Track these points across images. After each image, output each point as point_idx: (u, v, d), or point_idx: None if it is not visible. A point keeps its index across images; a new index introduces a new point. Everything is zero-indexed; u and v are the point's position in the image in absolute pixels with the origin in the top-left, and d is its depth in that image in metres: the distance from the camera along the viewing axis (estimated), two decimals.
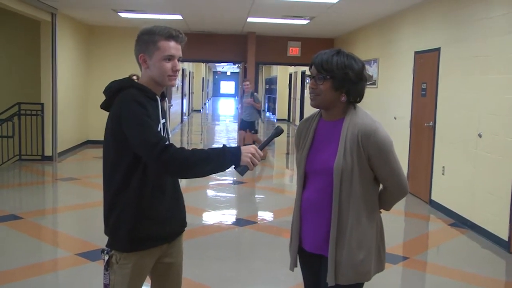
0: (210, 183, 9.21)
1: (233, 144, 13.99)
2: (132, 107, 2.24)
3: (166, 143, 2.20)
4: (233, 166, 2.25)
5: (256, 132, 11.67)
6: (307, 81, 2.49)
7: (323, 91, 2.35)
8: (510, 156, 5.71)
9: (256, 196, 8.97)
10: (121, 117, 2.25)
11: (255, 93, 11.74)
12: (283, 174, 11.60)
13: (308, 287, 2.62)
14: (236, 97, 38.48)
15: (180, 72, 21.32)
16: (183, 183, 9.02)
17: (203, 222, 6.74)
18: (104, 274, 2.37)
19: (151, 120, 2.26)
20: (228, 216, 7.13)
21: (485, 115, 6.31)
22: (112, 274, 2.36)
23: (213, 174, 2.26)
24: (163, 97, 2.51)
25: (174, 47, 2.36)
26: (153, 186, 2.36)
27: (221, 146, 2.30)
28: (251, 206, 8.08)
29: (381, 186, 2.50)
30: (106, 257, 2.36)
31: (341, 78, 2.33)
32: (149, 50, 2.35)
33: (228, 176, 9.79)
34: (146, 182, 2.33)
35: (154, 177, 2.35)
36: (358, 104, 2.46)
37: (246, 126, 11.61)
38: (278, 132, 2.43)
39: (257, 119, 11.64)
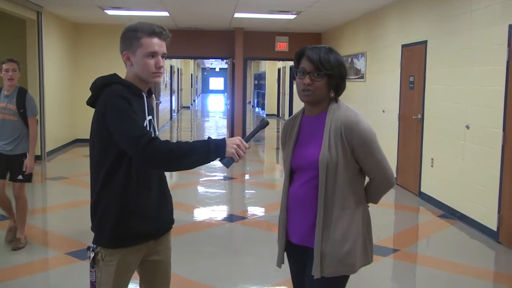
0: (200, 179, 9.21)
1: None
2: (116, 102, 2.23)
3: (150, 137, 2.18)
4: (218, 158, 2.24)
5: (28, 178, 5.31)
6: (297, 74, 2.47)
7: (318, 87, 2.36)
8: (498, 147, 5.75)
9: (246, 191, 8.98)
10: (106, 112, 2.24)
11: (29, 93, 5.29)
12: (273, 169, 11.60)
13: (296, 279, 2.63)
14: (225, 93, 38.41)
15: (169, 69, 21.36)
16: (173, 179, 9.08)
17: (193, 218, 6.73)
18: (91, 271, 2.37)
19: (136, 115, 2.25)
20: (218, 212, 7.13)
21: (472, 106, 6.35)
22: (98, 271, 2.35)
23: (203, 171, 2.26)
24: (149, 94, 2.50)
25: (157, 44, 2.35)
26: (138, 182, 2.35)
27: (205, 138, 2.28)
28: (241, 202, 8.08)
29: (367, 179, 2.51)
30: (92, 254, 2.36)
31: (336, 76, 2.37)
32: (132, 47, 2.34)
33: (218, 172, 9.78)
34: (131, 178, 2.32)
35: (140, 173, 2.35)
36: (339, 98, 2.48)
37: (4, 167, 5.24)
38: (264, 124, 2.43)
39: (27, 150, 5.17)
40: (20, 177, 5.24)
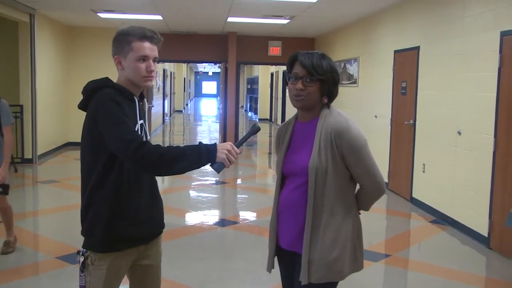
0: (192, 183, 9.18)
1: None
2: (108, 106, 2.23)
3: (141, 141, 2.18)
4: (209, 164, 2.23)
5: (5, 191, 4.97)
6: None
7: (311, 93, 2.36)
8: (489, 153, 5.78)
9: (238, 196, 8.96)
10: (97, 115, 2.24)
11: (2, 100, 4.89)
12: (265, 173, 11.59)
13: (286, 284, 2.63)
14: (218, 97, 38.42)
15: (161, 72, 21.33)
16: (165, 183, 9.06)
17: (185, 222, 6.71)
18: (80, 276, 2.35)
19: (127, 118, 2.25)
20: (210, 217, 7.10)
21: (464, 112, 6.38)
22: (88, 275, 2.34)
23: (195, 175, 2.25)
24: (141, 98, 2.50)
25: (148, 48, 2.35)
26: (130, 186, 2.34)
27: (197, 143, 2.28)
28: (233, 206, 8.07)
29: (358, 186, 2.51)
30: (82, 259, 2.34)
31: (329, 81, 2.38)
32: (124, 51, 2.34)
33: (210, 177, 9.76)
34: (122, 182, 2.32)
35: (131, 176, 2.34)
36: (331, 104, 2.48)
37: None
38: (255, 130, 2.41)
39: (7, 164, 4.86)
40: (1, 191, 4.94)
